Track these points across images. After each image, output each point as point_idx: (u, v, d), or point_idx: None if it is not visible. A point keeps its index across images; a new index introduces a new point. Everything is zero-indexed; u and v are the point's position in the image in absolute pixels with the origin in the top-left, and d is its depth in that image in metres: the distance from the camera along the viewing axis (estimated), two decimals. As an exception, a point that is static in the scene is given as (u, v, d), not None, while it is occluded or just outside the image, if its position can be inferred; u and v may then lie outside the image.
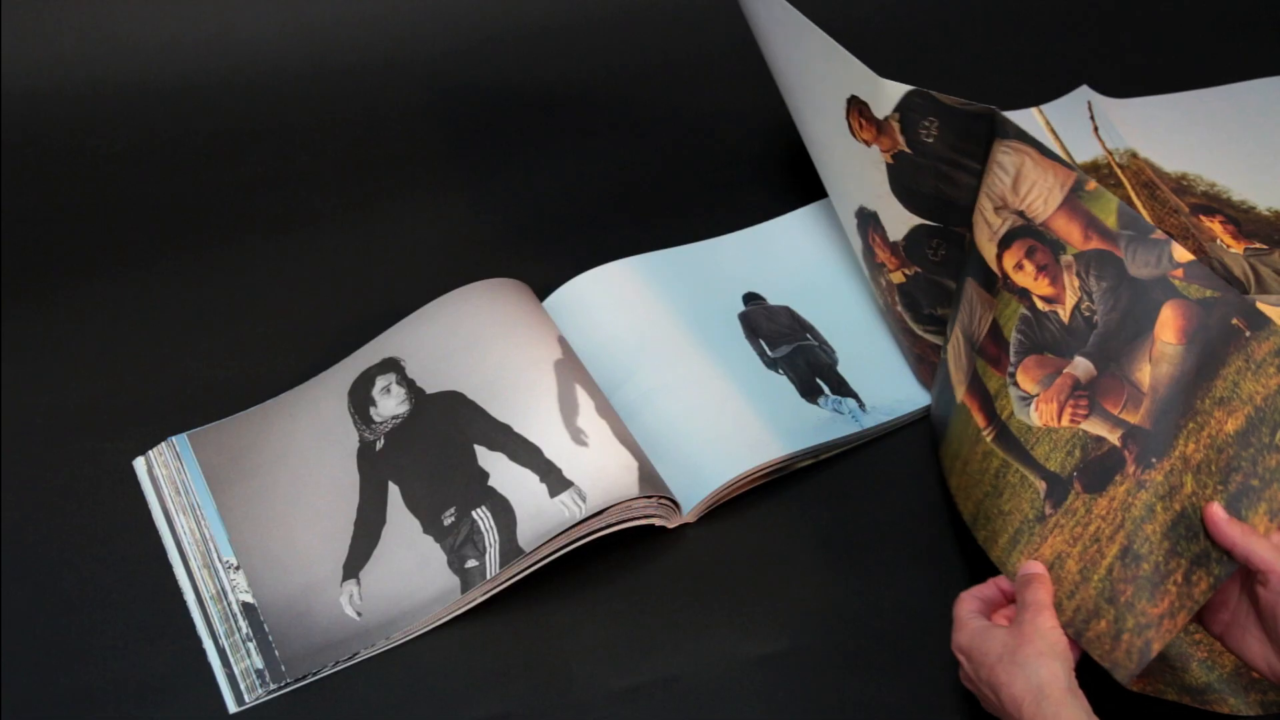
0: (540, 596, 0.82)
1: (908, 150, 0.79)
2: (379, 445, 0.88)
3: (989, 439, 0.77)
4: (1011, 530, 0.74)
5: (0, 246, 1.04)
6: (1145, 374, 0.69)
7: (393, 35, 1.21)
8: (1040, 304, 0.74)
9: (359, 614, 0.81)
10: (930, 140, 0.78)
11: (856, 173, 0.85)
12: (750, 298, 0.99)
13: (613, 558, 0.83)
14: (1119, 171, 1.03)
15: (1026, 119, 1.09)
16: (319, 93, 1.17)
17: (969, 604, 0.72)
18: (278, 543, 0.85)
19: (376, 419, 0.90)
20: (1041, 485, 0.73)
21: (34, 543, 0.85)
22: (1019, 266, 0.75)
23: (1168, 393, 0.68)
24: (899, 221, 0.83)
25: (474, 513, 0.83)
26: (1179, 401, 0.68)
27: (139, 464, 0.89)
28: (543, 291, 0.97)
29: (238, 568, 0.84)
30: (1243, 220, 0.99)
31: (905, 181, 0.81)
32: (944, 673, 0.76)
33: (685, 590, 0.83)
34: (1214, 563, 0.65)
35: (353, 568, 0.83)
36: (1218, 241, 0.96)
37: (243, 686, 0.78)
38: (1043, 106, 1.10)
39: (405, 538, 0.84)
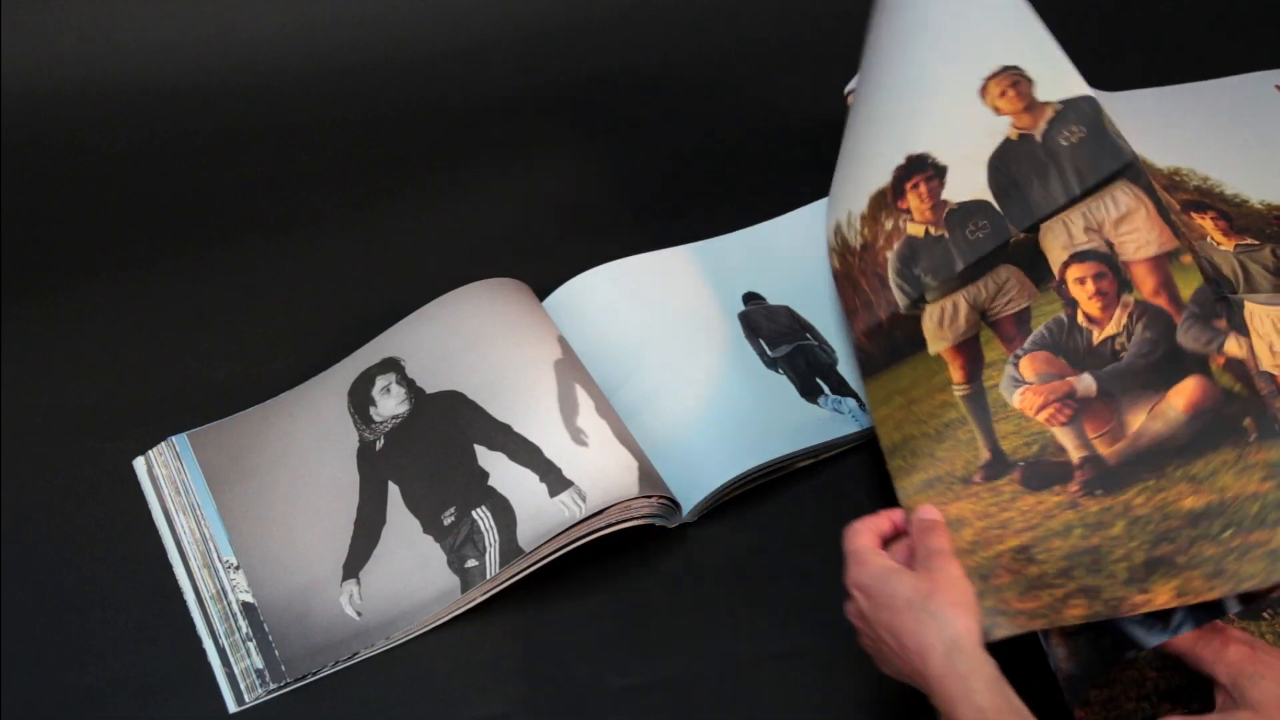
0: (540, 596, 0.82)
1: (1038, 140, 0.80)
2: (379, 445, 0.88)
3: (959, 394, 0.77)
4: (933, 474, 0.74)
5: (0, 246, 1.04)
6: (1138, 421, 0.71)
7: (393, 35, 1.21)
8: (1081, 319, 0.75)
9: (359, 614, 0.81)
10: (1065, 144, 0.79)
11: (954, 128, 0.85)
12: (750, 297, 0.99)
13: (613, 558, 0.83)
14: None
15: None
16: (319, 93, 1.17)
17: (865, 538, 0.70)
18: (278, 542, 0.85)
19: (376, 419, 0.90)
20: (985, 455, 0.74)
21: (34, 543, 0.85)
22: (1081, 281, 0.76)
23: (1148, 446, 0.70)
24: (968, 188, 0.82)
25: (474, 512, 0.83)
26: (1154, 459, 0.69)
27: (139, 464, 0.89)
28: (543, 291, 0.97)
29: (238, 567, 0.84)
30: (1235, 215, 0.98)
31: (1008, 160, 0.81)
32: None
33: (685, 590, 0.83)
34: (1101, 604, 0.66)
35: (353, 568, 0.83)
36: (1208, 239, 0.96)
37: (243, 686, 0.78)
38: None
39: (405, 538, 0.84)
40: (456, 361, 0.90)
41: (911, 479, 0.75)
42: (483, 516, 0.83)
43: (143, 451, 0.89)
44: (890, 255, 0.85)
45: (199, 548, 0.85)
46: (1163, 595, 0.65)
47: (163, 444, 0.89)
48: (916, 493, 0.74)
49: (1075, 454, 0.71)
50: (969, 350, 0.79)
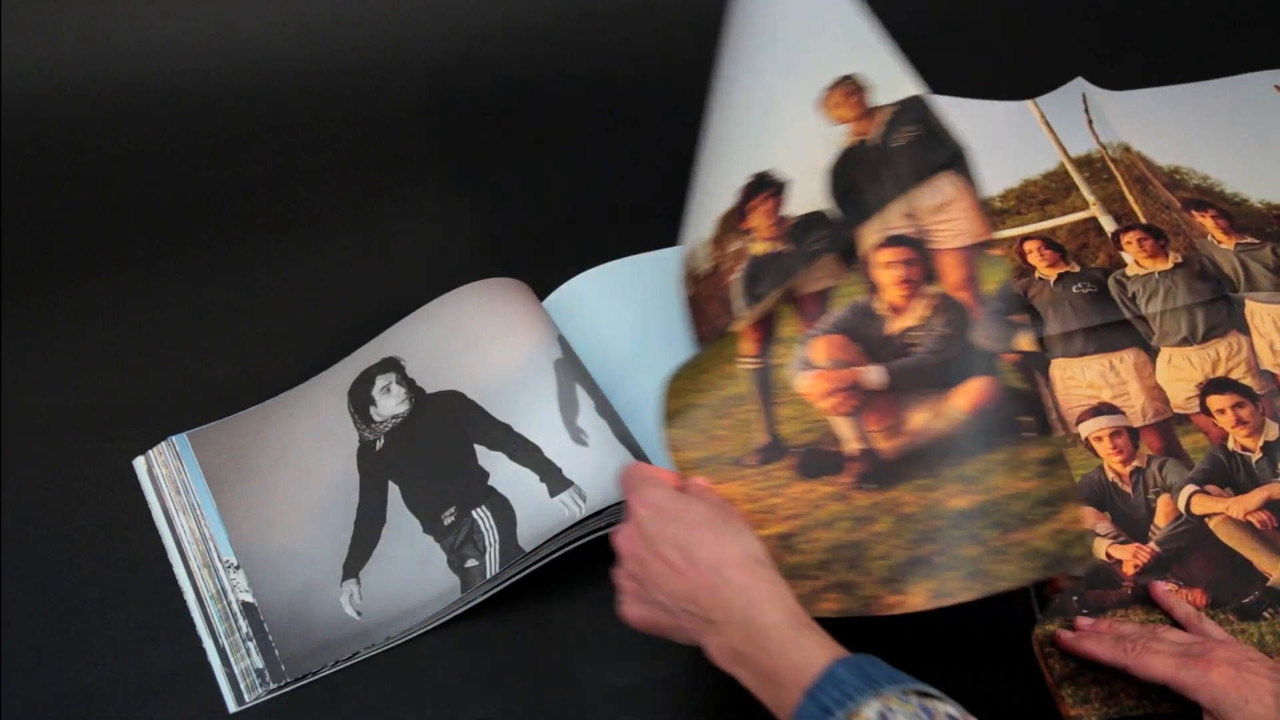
0: (540, 596, 0.82)
1: (875, 143, 0.80)
2: (379, 445, 0.88)
3: (746, 367, 0.76)
4: (709, 453, 0.73)
5: (0, 246, 1.04)
6: (920, 420, 0.71)
7: (393, 35, 1.21)
8: (881, 305, 0.75)
9: (359, 613, 0.81)
10: (899, 145, 0.79)
11: (795, 142, 0.84)
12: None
13: (612, 557, 0.83)
14: (1111, 165, 1.03)
15: (1021, 112, 1.09)
16: (319, 93, 1.17)
17: (650, 470, 0.70)
18: (278, 542, 0.85)
19: (376, 419, 0.90)
20: (763, 439, 0.73)
21: (34, 543, 0.85)
22: (890, 265, 0.76)
23: (927, 446, 0.70)
24: (808, 200, 0.82)
25: (474, 512, 0.83)
26: (930, 458, 0.69)
27: (139, 464, 0.89)
28: (543, 291, 0.97)
29: (238, 567, 0.84)
30: (1235, 214, 0.99)
31: (846, 167, 0.81)
32: (954, 668, 0.76)
33: (685, 590, 0.83)
34: (855, 601, 0.66)
35: (353, 567, 0.83)
36: (1209, 238, 0.96)
37: (243, 686, 0.78)
38: (1038, 99, 1.10)
39: (405, 537, 0.84)
40: (456, 361, 0.90)
41: (687, 454, 0.73)
42: (483, 516, 0.83)
43: (143, 451, 0.89)
44: (734, 279, 0.83)
45: (199, 547, 0.85)
46: (918, 597, 0.66)
47: (163, 444, 0.89)
48: (690, 469, 0.73)
49: (852, 446, 0.71)
50: (764, 325, 0.77)
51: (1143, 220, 0.98)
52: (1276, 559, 0.78)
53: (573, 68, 1.21)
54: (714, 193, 0.87)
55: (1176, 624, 0.75)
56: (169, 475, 0.88)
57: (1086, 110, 1.08)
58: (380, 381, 0.91)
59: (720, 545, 0.63)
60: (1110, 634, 0.73)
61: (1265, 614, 0.76)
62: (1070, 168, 1.03)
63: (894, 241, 0.76)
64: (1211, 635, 0.72)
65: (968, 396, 0.71)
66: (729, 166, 0.87)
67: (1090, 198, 1.01)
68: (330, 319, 0.98)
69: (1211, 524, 0.80)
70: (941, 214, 0.76)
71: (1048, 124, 1.07)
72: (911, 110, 0.79)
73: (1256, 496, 0.81)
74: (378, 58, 1.20)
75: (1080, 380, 0.88)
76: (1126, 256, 0.96)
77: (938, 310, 0.74)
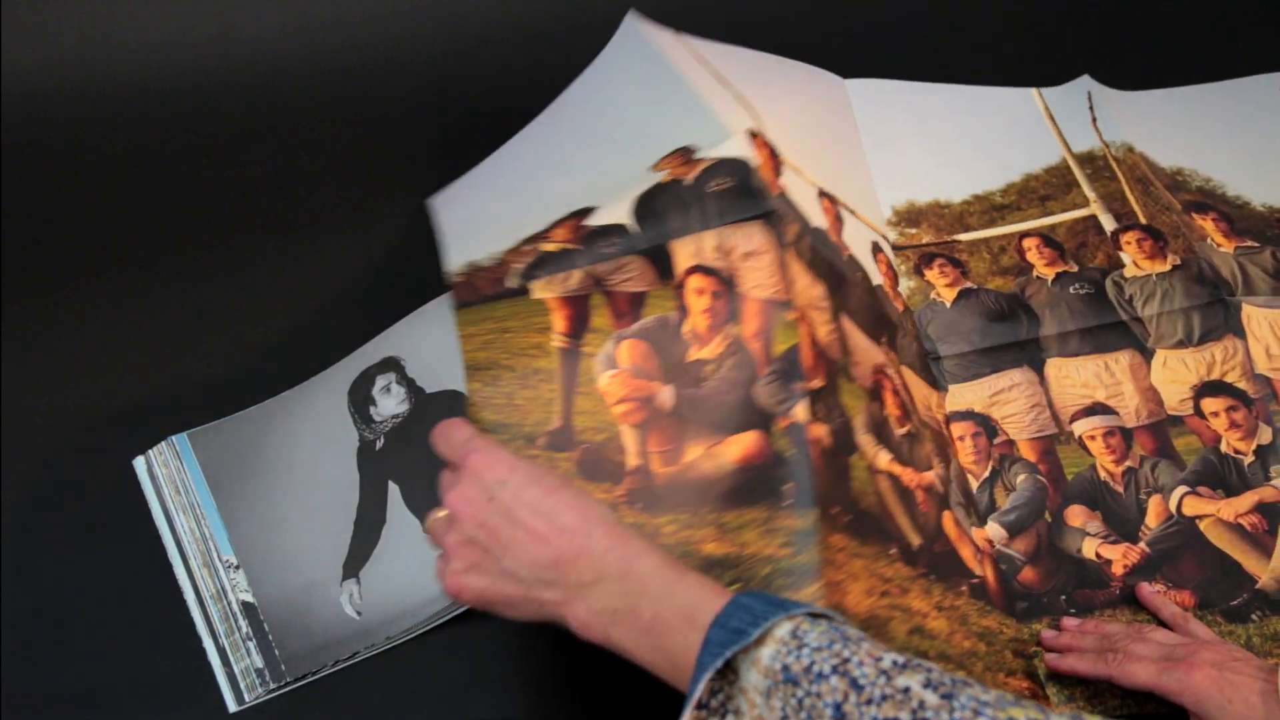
0: (540, 596, 0.81)
1: (688, 184, 0.84)
2: (379, 444, 0.88)
3: (556, 344, 0.76)
4: (506, 420, 0.73)
5: (0, 246, 1.04)
6: (695, 455, 0.73)
7: (393, 35, 1.21)
8: (687, 328, 0.77)
9: (359, 613, 0.81)
10: (711, 190, 0.82)
11: (620, 189, 0.87)
12: None
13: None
14: (1114, 164, 1.03)
15: (1025, 102, 1.09)
16: (319, 93, 1.17)
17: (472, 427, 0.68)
18: (278, 542, 0.85)
19: (376, 418, 0.90)
20: (556, 422, 0.74)
21: (34, 543, 0.85)
22: (699, 293, 0.78)
23: (694, 481, 0.72)
24: (611, 217, 0.85)
25: (474, 512, 0.83)
26: (695, 495, 0.71)
27: (139, 463, 0.89)
28: (543, 291, 0.97)
29: (238, 567, 0.84)
30: (1236, 217, 0.99)
31: (654, 195, 0.84)
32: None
33: (685, 590, 0.83)
34: None
35: (353, 567, 0.83)
36: (1208, 240, 0.96)
37: (243, 686, 0.78)
38: (1042, 90, 1.10)
39: (405, 537, 0.84)
40: (456, 361, 0.90)
41: (486, 415, 0.73)
42: (483, 516, 0.83)
43: (143, 451, 0.89)
44: (517, 266, 0.85)
45: (199, 547, 0.85)
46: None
47: (163, 444, 0.89)
48: (483, 428, 0.73)
49: (632, 459, 0.73)
50: (576, 306, 0.78)
51: (1143, 220, 0.98)
52: (1266, 562, 0.78)
53: (572, 68, 1.20)
54: (523, 218, 0.90)
55: (1165, 625, 0.75)
56: (169, 475, 0.88)
57: (1091, 107, 1.08)
58: (380, 381, 0.91)
59: (584, 506, 0.61)
60: (1096, 635, 0.73)
61: (1253, 616, 0.76)
62: (1072, 163, 1.03)
63: (706, 270, 0.79)
64: (1198, 636, 0.72)
65: (739, 447, 0.73)
66: (549, 204, 0.90)
67: (1091, 195, 1.01)
68: (330, 319, 0.98)
69: (1202, 525, 0.81)
70: (750, 261, 0.79)
71: (1051, 116, 1.07)
72: (731, 166, 0.84)
73: (1248, 500, 0.81)
74: (378, 58, 1.20)
75: (1075, 380, 0.88)
76: (1125, 257, 0.96)
77: (730, 351, 0.76)
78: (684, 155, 0.86)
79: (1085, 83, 1.11)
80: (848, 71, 1.10)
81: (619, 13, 1.21)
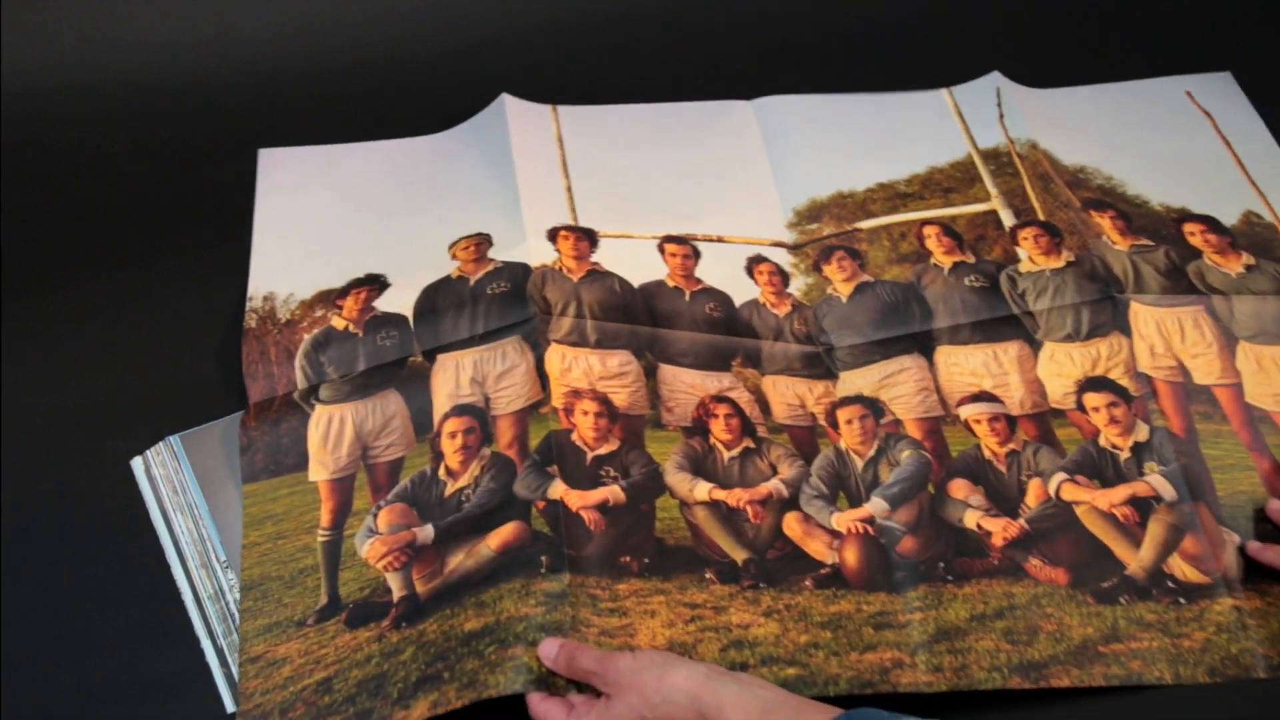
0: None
1: (471, 283, 0.94)
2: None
3: (321, 539, 0.83)
4: (276, 619, 0.80)
5: (0, 246, 1.04)
6: (457, 561, 0.79)
7: (393, 35, 1.21)
8: (443, 471, 0.84)
9: (357, 614, 0.81)
10: (490, 292, 0.92)
11: (413, 261, 0.97)
12: None
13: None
14: (1017, 161, 1.04)
15: (936, 101, 1.10)
16: (319, 93, 1.17)
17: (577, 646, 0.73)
18: (276, 543, 0.85)
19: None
20: (323, 600, 0.80)
21: (34, 543, 0.85)
22: (452, 435, 0.85)
23: (456, 581, 0.78)
24: (398, 303, 0.94)
25: (472, 513, 0.83)
26: (457, 592, 0.77)
27: (137, 464, 0.89)
28: (541, 292, 0.97)
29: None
30: (1134, 215, 1.00)
31: (438, 291, 0.94)
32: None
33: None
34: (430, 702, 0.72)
35: (351, 568, 0.83)
36: (1103, 238, 0.98)
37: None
38: (953, 89, 1.12)
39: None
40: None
41: (256, 622, 0.79)
42: (480, 517, 0.83)
43: (141, 452, 0.89)
44: (306, 338, 0.92)
45: (196, 548, 0.85)
46: (420, 709, 0.72)
47: (160, 444, 0.89)
48: (257, 636, 0.79)
49: (397, 594, 0.78)
50: (341, 493, 0.85)
51: (1041, 217, 0.99)
52: (1134, 551, 0.81)
53: (571, 67, 1.21)
54: (325, 272, 0.97)
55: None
56: (166, 475, 0.88)
57: (999, 104, 1.09)
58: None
59: (720, 692, 0.66)
60: None
61: (1121, 600, 0.79)
62: (977, 159, 1.05)
63: (460, 411, 0.86)
64: None
65: (499, 538, 0.79)
66: (350, 261, 0.98)
67: (993, 190, 1.02)
68: (329, 319, 0.98)
69: (1078, 511, 0.83)
70: (505, 380, 0.86)
71: (960, 114, 1.09)
72: (512, 271, 0.93)
73: (1122, 492, 0.83)
74: (378, 58, 1.20)
75: (964, 367, 0.91)
76: (1021, 252, 0.97)
77: (486, 468, 0.82)
78: (478, 249, 0.95)
79: (995, 79, 1.11)
80: (776, 89, 1.11)
81: (617, 13, 1.21)
